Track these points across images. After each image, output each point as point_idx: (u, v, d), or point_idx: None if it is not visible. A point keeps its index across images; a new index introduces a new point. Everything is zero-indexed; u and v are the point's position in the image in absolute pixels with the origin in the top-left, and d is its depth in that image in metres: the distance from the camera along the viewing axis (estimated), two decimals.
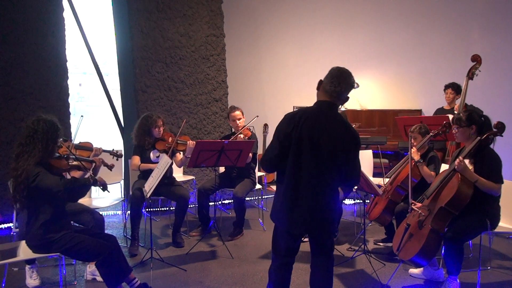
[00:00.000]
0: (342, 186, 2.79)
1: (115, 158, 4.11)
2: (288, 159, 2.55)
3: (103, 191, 3.24)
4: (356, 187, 3.78)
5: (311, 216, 2.56)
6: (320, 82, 2.61)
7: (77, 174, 3.59)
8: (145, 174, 4.23)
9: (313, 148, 2.50)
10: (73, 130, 4.99)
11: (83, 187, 3.12)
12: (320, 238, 2.70)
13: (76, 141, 4.10)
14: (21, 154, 2.96)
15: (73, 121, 5.43)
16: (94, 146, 3.97)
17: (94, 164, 3.37)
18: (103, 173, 3.77)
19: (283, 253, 2.71)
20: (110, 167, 3.65)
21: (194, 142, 4.24)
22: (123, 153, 4.69)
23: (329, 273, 2.74)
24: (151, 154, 4.46)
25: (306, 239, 2.90)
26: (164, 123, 4.51)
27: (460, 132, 3.41)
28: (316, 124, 2.51)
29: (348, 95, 2.61)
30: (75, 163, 3.24)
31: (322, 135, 2.49)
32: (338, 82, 2.52)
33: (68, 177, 3.40)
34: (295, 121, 2.52)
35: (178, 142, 4.40)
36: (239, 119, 4.77)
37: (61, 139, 3.13)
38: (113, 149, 3.75)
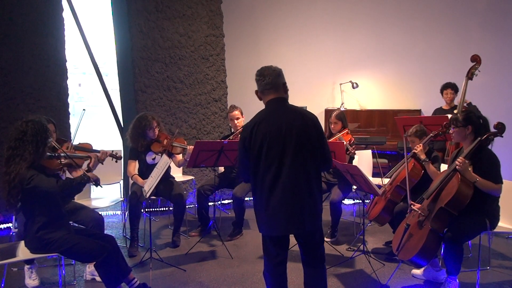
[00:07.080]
0: (321, 169, 2.79)
1: (114, 160, 4.09)
2: (255, 169, 2.60)
3: (96, 186, 3.22)
4: (355, 187, 3.77)
5: (295, 214, 2.57)
6: (257, 92, 2.75)
7: (77, 173, 3.56)
8: (144, 175, 4.22)
9: (278, 147, 2.55)
10: (73, 128, 4.97)
11: (78, 186, 3.04)
12: (307, 238, 2.70)
13: (75, 141, 4.08)
14: (11, 157, 2.86)
15: (73, 121, 5.42)
16: (94, 147, 3.93)
17: (89, 160, 3.32)
18: (104, 169, 3.75)
19: (273, 254, 2.71)
20: (116, 157, 3.58)
21: (193, 146, 4.23)
22: (122, 154, 4.68)
23: (323, 282, 2.76)
24: (147, 157, 4.40)
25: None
26: (159, 123, 4.43)
27: (456, 132, 3.42)
28: (271, 124, 2.58)
29: (284, 81, 2.75)
30: (67, 161, 3.16)
31: (281, 132, 2.56)
32: (263, 76, 2.70)
33: (68, 176, 3.38)
34: (250, 130, 2.60)
35: (173, 145, 4.38)
36: (237, 118, 4.77)
37: (50, 139, 3.03)
38: (112, 151, 3.73)
